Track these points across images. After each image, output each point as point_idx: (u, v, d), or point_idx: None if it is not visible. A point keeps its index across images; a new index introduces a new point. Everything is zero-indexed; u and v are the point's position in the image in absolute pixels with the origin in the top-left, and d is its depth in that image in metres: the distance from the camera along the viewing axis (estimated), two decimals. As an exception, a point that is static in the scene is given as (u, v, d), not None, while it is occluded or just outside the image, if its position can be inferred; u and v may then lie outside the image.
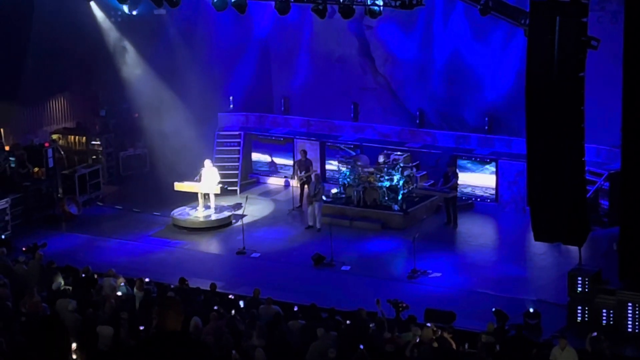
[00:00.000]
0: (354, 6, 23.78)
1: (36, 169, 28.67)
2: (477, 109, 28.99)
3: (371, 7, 23.58)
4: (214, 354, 18.02)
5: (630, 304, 20.33)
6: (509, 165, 27.71)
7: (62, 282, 21.65)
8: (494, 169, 28.02)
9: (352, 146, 29.99)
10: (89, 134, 31.51)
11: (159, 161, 30.68)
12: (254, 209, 28.49)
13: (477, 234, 26.56)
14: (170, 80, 30.53)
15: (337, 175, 28.89)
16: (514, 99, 26.53)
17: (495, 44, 28.13)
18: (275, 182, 31.02)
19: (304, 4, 24.59)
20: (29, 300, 20.16)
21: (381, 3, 23.40)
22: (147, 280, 21.79)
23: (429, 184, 28.69)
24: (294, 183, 29.36)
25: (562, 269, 22.65)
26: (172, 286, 21.69)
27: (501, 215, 27.71)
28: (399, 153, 28.71)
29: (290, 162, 30.57)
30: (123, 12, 30.58)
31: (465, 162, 28.45)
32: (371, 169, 27.66)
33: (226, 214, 27.85)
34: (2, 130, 29.56)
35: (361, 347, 17.92)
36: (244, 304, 20.90)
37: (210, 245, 26.65)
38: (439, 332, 18.90)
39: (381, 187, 27.30)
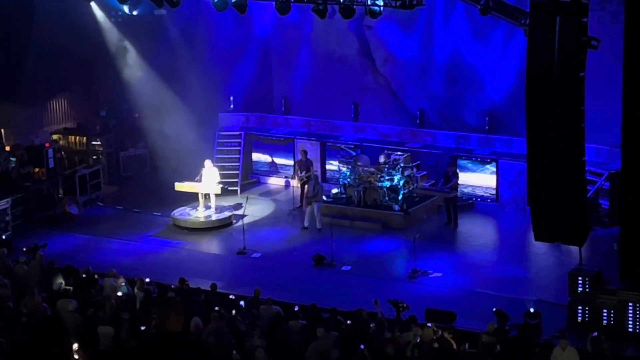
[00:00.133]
0: (355, 6, 23.78)
1: (37, 170, 28.67)
2: (478, 109, 28.99)
3: (371, 7, 23.58)
4: (215, 355, 18.04)
5: (630, 304, 20.33)
6: (510, 165, 27.71)
7: (63, 283, 21.66)
8: (494, 169, 28.02)
9: (352, 146, 29.99)
10: (90, 134, 31.51)
11: (160, 161, 30.68)
12: (255, 209, 28.49)
13: (478, 234, 26.56)
14: (170, 81, 30.53)
15: (337, 176, 28.89)
16: (514, 99, 26.54)
17: (496, 44, 28.14)
18: (275, 182, 31.03)
19: (304, 4, 24.58)
20: (30, 301, 20.16)
21: (381, 3, 23.40)
22: (147, 280, 21.79)
23: (429, 184, 28.69)
24: (295, 183, 29.37)
25: (563, 269, 22.67)
26: (172, 286, 21.68)
27: (501, 215, 27.71)
28: (399, 153, 28.71)
29: (290, 162, 30.57)
30: (123, 12, 30.60)
31: (465, 162, 28.45)
32: (372, 169, 27.66)
33: (227, 214, 27.86)
34: (2, 130, 29.57)
35: (362, 347, 17.93)
36: (245, 304, 20.90)
37: (211, 246, 26.65)
38: (440, 332, 18.91)
39: (382, 187, 27.30)
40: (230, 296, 21.62)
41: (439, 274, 23.89)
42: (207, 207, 27.90)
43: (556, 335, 19.80)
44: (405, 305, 20.58)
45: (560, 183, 20.49)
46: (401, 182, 27.32)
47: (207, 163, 27.91)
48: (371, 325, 19.38)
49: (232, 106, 31.77)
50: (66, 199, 28.55)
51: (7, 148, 28.99)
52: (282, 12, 24.45)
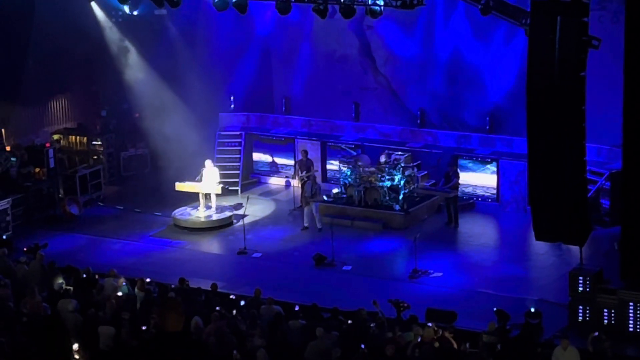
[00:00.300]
0: (355, 6, 23.76)
1: (37, 170, 28.67)
2: (478, 108, 28.98)
3: (372, 6, 23.57)
4: (216, 354, 18.04)
5: (631, 304, 20.31)
6: (510, 165, 27.69)
7: (64, 283, 21.66)
8: (495, 169, 28.01)
9: (353, 146, 29.99)
10: (90, 134, 31.53)
11: (160, 161, 30.68)
12: (255, 209, 28.49)
13: (478, 233, 26.56)
14: (171, 81, 30.54)
15: (338, 175, 28.88)
16: (515, 98, 26.52)
17: (496, 44, 28.12)
18: (276, 182, 31.03)
19: (304, 4, 24.57)
20: (30, 301, 20.16)
21: (382, 3, 23.39)
22: (148, 280, 21.78)
23: (430, 183, 28.68)
24: (295, 183, 29.36)
25: (563, 269, 22.66)
26: (173, 286, 21.68)
27: (502, 215, 27.70)
28: (400, 153, 28.69)
29: (291, 162, 30.58)
30: (124, 12, 30.61)
31: (466, 161, 28.43)
32: (372, 169, 27.66)
33: (227, 214, 27.86)
34: (3, 130, 29.58)
35: (362, 346, 17.92)
36: (245, 304, 20.89)
37: (212, 246, 26.65)
38: (440, 332, 18.89)
39: (382, 187, 27.30)
40: (231, 296, 21.61)
41: (440, 274, 23.88)
42: (208, 207, 27.91)
43: (557, 335, 19.79)
44: (405, 305, 20.56)
45: (561, 183, 20.47)
46: (402, 182, 27.32)
47: (208, 163, 27.92)
48: (372, 325, 19.37)
49: (232, 106, 31.77)
50: (67, 199, 28.56)
51: (8, 148, 29.00)
52: (283, 12, 24.44)
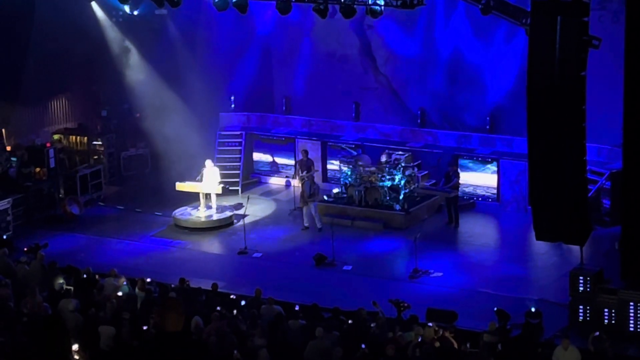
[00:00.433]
0: (355, 6, 23.76)
1: (38, 169, 28.67)
2: (479, 108, 28.97)
3: (372, 6, 23.57)
4: (216, 354, 18.04)
5: (632, 304, 20.31)
6: (511, 164, 27.69)
7: (64, 283, 21.66)
8: (495, 169, 28.01)
9: (353, 146, 29.99)
10: (91, 134, 31.53)
11: (161, 161, 30.68)
12: (256, 209, 28.49)
13: (479, 233, 26.56)
14: (171, 80, 30.54)
15: (338, 175, 28.88)
16: (515, 98, 26.51)
17: (497, 44, 28.12)
18: (276, 182, 31.03)
19: (305, 3, 24.57)
20: (31, 301, 20.17)
21: (382, 2, 23.39)
22: (148, 280, 21.79)
23: (430, 183, 28.68)
24: (296, 183, 29.36)
25: (564, 269, 22.65)
26: (173, 286, 21.69)
27: (503, 215, 27.70)
28: (400, 153, 28.70)
29: (291, 162, 30.58)
30: (124, 12, 30.63)
31: (466, 161, 28.43)
32: (373, 169, 27.66)
33: (228, 214, 27.86)
34: (3, 130, 29.58)
35: (363, 346, 17.93)
36: (246, 304, 20.89)
37: (212, 245, 26.65)
38: (441, 332, 18.90)
39: (383, 186, 27.30)
40: (231, 296, 21.61)
41: (440, 274, 23.88)
42: (208, 207, 27.91)
43: (558, 335, 19.80)
44: (406, 304, 20.56)
45: (561, 182, 20.47)
46: (402, 182, 27.32)
47: (208, 163, 27.92)
48: (372, 325, 19.38)
49: (232, 106, 31.77)
50: (67, 199, 28.56)
51: (8, 148, 29.00)
52: (283, 12, 24.44)
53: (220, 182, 27.92)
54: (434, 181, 28.69)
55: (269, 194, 30.41)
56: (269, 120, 31.81)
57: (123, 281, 21.61)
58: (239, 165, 30.62)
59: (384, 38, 30.07)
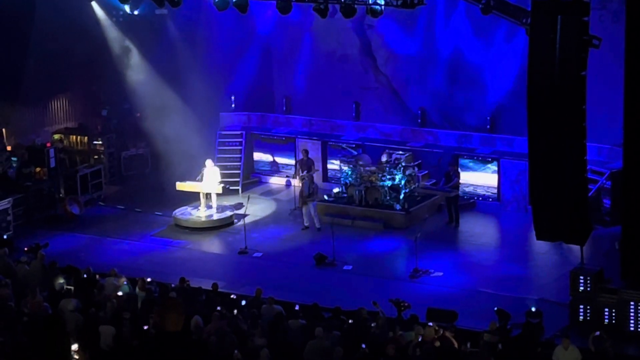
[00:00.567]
0: (356, 5, 23.76)
1: (38, 169, 28.67)
2: (479, 108, 28.96)
3: (372, 6, 23.56)
4: (217, 354, 18.05)
5: (632, 303, 20.31)
6: (511, 164, 27.68)
7: (65, 283, 21.66)
8: (495, 168, 28.00)
9: (353, 145, 29.99)
10: (91, 134, 31.54)
11: (161, 161, 30.69)
12: (256, 209, 28.49)
13: (479, 233, 26.55)
14: (171, 80, 30.53)
15: (339, 175, 28.88)
16: (515, 98, 26.51)
17: (497, 43, 28.11)
18: (277, 181, 31.03)
19: (305, 3, 24.56)
20: (31, 301, 20.17)
21: (382, 2, 23.37)
22: (149, 280, 21.80)
23: (430, 183, 28.68)
24: (296, 182, 29.35)
25: (564, 268, 22.65)
26: (173, 286, 21.69)
27: (503, 215, 27.69)
28: (400, 152, 28.71)
29: (292, 161, 30.57)
30: (124, 11, 30.63)
31: (467, 161, 28.42)
32: (373, 169, 27.66)
33: (228, 213, 27.86)
34: (4, 130, 29.58)
35: (363, 346, 17.93)
36: (246, 304, 20.89)
37: (212, 245, 26.65)
38: (441, 332, 18.90)
39: (383, 186, 27.30)
40: (232, 296, 21.62)
41: (440, 273, 23.88)
42: (209, 207, 27.91)
43: (558, 335, 19.80)
44: (406, 304, 20.56)
45: (562, 182, 20.47)
46: (402, 182, 27.32)
47: (209, 162, 27.92)
48: (372, 325, 19.38)
49: (233, 105, 31.77)
50: (67, 199, 28.56)
51: (9, 148, 28.99)
52: (283, 11, 24.44)
53: (221, 182, 27.92)
54: (434, 181, 28.69)
55: (269, 193, 30.41)
56: (269, 119, 31.81)
57: (123, 281, 21.61)
58: (240, 165, 30.62)
59: (384, 38, 30.07)
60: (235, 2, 24.45)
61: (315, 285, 23.39)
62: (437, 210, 27.78)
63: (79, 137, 31.54)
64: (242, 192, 30.06)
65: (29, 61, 29.83)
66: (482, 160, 28.26)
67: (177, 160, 29.47)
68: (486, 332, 19.13)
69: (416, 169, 28.25)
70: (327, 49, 30.92)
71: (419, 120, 29.90)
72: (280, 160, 31.08)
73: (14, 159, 28.58)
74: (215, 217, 27.70)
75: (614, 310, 20.52)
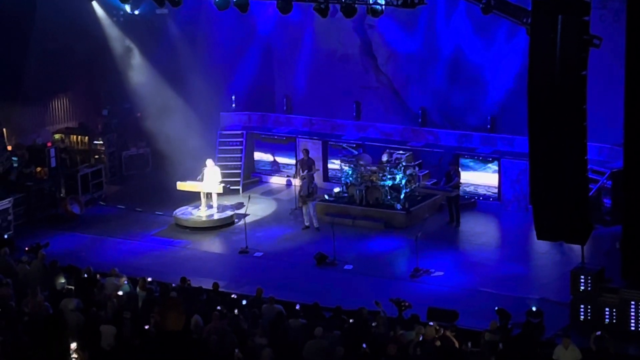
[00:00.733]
0: (356, 5, 23.76)
1: (39, 169, 28.68)
2: (480, 107, 28.96)
3: (373, 5, 23.56)
4: (217, 354, 18.05)
5: (633, 303, 20.31)
6: (512, 163, 27.69)
7: (66, 282, 21.67)
8: (496, 168, 28.00)
9: (354, 145, 29.99)
10: (92, 133, 31.55)
11: (161, 160, 30.70)
12: (257, 208, 28.50)
13: (480, 232, 26.56)
14: (172, 80, 30.55)
15: (339, 175, 28.89)
16: (516, 97, 26.49)
17: (497, 43, 28.11)
18: (277, 181, 31.03)
19: (305, 2, 24.56)
20: (32, 300, 20.17)
21: (383, 2, 23.37)
22: (149, 279, 21.80)
23: (431, 182, 28.68)
24: (297, 182, 29.35)
25: (565, 268, 22.64)
26: (174, 285, 21.69)
27: (504, 214, 27.70)
28: (401, 152, 28.72)
29: (292, 161, 30.58)
30: (125, 11, 30.64)
31: (467, 160, 28.43)
32: (373, 168, 27.66)
33: (229, 213, 27.87)
34: (4, 130, 29.59)
35: (364, 346, 17.93)
36: (247, 304, 20.90)
37: (213, 245, 26.66)
38: (442, 331, 18.90)
39: (383, 186, 27.30)
40: (232, 295, 21.62)
41: (441, 273, 23.88)
42: (209, 207, 27.92)
43: (559, 334, 19.80)
44: (407, 304, 20.56)
45: (562, 181, 20.46)
46: (403, 181, 27.32)
47: (209, 162, 27.93)
48: (372, 324, 19.38)
49: (233, 105, 31.77)
50: (68, 199, 28.57)
51: (9, 148, 29.00)
52: (284, 11, 24.43)
53: (221, 182, 27.92)
54: (435, 180, 28.69)
55: (269, 193, 30.41)
56: (269, 119, 31.81)
57: (124, 280, 21.61)
58: (240, 165, 30.63)
59: (384, 37, 30.07)
60: (235, 1, 24.45)
61: (316, 284, 23.39)
62: (437, 209, 27.78)
63: (79, 137, 31.55)
64: (242, 191, 30.07)
65: (29, 61, 29.84)
66: (483, 159, 28.26)
67: (178, 160, 29.49)
68: (487, 331, 19.14)
69: (417, 168, 28.25)
70: (328, 48, 30.93)
71: (420, 120, 29.90)
72: (280, 160, 31.09)
73: (14, 158, 28.57)
74: (216, 216, 27.71)
75: (614, 310, 20.52)
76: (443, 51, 29.07)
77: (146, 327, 18.76)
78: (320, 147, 30.24)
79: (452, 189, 27.12)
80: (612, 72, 22.85)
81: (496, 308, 20.44)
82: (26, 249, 24.34)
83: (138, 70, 30.92)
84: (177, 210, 27.95)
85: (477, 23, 27.76)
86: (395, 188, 27.27)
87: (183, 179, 28.18)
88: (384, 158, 27.92)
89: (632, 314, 20.32)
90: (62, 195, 28.91)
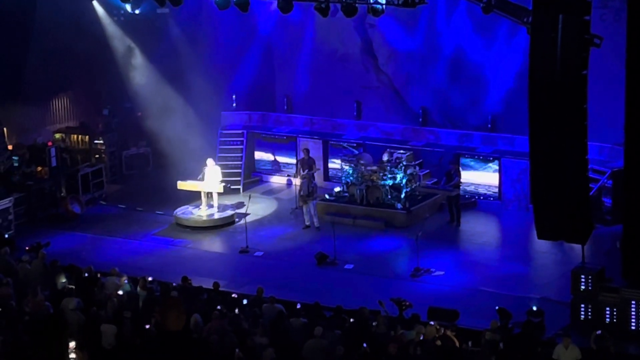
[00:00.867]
0: (357, 4, 23.76)
1: (39, 168, 28.69)
2: (480, 107, 28.97)
3: (374, 5, 23.56)
4: (217, 353, 18.05)
5: (633, 302, 20.31)
6: (512, 163, 27.69)
7: (66, 282, 21.67)
8: (497, 167, 28.01)
9: (355, 145, 29.99)
10: (92, 133, 31.57)
11: (162, 160, 30.70)
12: (257, 208, 28.50)
13: (480, 232, 26.56)
14: (173, 79, 30.56)
15: (340, 174, 28.89)
16: (517, 97, 26.48)
17: (498, 42, 28.10)
18: (278, 180, 31.04)
19: (306, 2, 24.56)
20: (33, 300, 20.18)
21: (384, 1, 23.37)
22: (150, 279, 21.81)
23: (432, 182, 28.69)
24: (297, 182, 29.35)
25: (565, 267, 22.64)
26: (175, 285, 21.69)
27: (504, 214, 27.70)
28: (402, 151, 28.71)
29: (293, 160, 30.58)
30: (126, 10, 30.65)
31: (468, 160, 28.43)
32: (374, 168, 27.67)
33: (229, 212, 27.87)
34: (5, 129, 29.59)
35: (364, 345, 17.92)
36: (247, 303, 20.90)
37: (214, 244, 26.66)
38: (442, 331, 18.90)
39: (384, 185, 27.30)
40: (233, 295, 21.62)
41: (442, 272, 23.88)
42: (210, 206, 27.92)
43: (559, 333, 19.79)
44: (407, 303, 20.56)
45: (563, 181, 20.46)
46: (404, 181, 27.32)
47: (210, 162, 27.93)
48: (373, 324, 19.37)
49: (234, 104, 31.78)
50: (69, 198, 28.58)
51: (10, 147, 29.00)
52: (284, 11, 24.43)
53: (222, 181, 27.92)
54: (435, 180, 28.69)
55: (270, 192, 30.42)
56: (270, 118, 31.81)
57: (125, 280, 21.61)
58: (241, 164, 30.63)
59: (385, 37, 30.06)
60: (236, 1, 24.44)
61: (317, 284, 23.40)
62: (438, 209, 27.78)
63: (80, 136, 31.57)
64: (243, 191, 30.08)
65: (30, 60, 29.86)
66: (483, 159, 28.26)
67: (179, 160, 29.49)
68: (487, 331, 19.12)
69: (417, 168, 28.24)
70: (328, 48, 30.93)
71: (420, 119, 29.91)
72: (281, 159, 31.09)
73: (15, 158, 28.57)
74: (217, 216, 27.72)
75: (615, 309, 20.52)
76: (444, 50, 29.08)
77: (147, 326, 18.77)
78: (321, 146, 30.24)
79: (453, 188, 27.12)
80: (612, 71, 22.82)
81: (497, 307, 20.44)
82: (27, 248, 24.34)
83: (139, 70, 30.93)
84: (177, 210, 27.96)
85: (477, 22, 27.75)
86: (396, 187, 27.27)
87: (183, 179, 28.19)
88: (385, 157, 27.92)
89: (633, 313, 20.32)
90: (62, 194, 28.91)
